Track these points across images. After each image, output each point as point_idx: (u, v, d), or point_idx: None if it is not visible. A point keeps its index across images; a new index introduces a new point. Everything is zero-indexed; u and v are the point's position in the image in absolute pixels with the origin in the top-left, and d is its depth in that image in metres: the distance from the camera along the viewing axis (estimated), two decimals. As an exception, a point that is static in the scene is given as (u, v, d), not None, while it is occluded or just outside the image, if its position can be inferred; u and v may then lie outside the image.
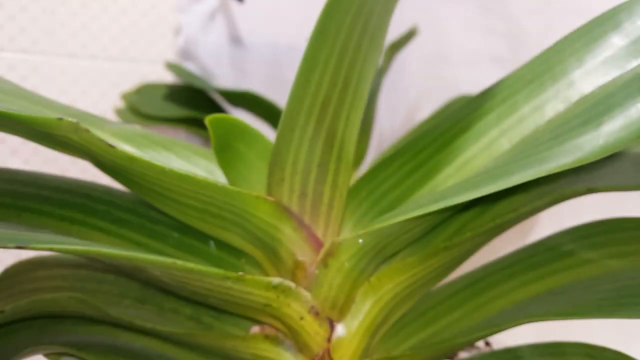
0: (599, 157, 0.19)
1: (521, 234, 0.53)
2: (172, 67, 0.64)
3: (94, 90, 0.63)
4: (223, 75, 0.68)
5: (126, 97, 0.64)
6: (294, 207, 0.23)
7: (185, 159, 0.25)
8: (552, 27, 0.64)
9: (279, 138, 0.22)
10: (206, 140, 0.68)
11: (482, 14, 0.68)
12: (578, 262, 0.25)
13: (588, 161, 0.19)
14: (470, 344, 0.26)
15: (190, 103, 0.64)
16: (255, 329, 0.25)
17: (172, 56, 0.66)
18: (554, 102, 0.24)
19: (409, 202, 0.24)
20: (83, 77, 0.62)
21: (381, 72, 0.67)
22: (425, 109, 0.79)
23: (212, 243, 0.25)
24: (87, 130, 0.19)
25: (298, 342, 0.24)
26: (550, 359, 0.25)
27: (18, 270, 0.26)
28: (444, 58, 0.75)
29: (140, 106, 0.62)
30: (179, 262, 0.19)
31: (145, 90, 0.65)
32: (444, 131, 0.26)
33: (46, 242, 0.18)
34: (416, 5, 0.71)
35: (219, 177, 0.25)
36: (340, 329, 0.23)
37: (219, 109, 0.65)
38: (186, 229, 0.25)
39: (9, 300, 0.24)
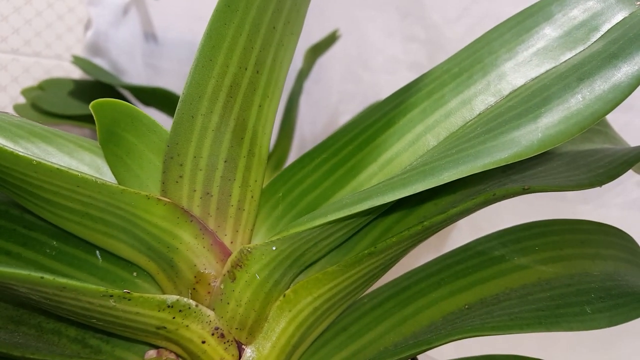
0: (538, 152, 0.17)
1: (438, 238, 0.52)
2: (79, 61, 0.58)
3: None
4: (135, 73, 0.63)
5: (26, 92, 0.58)
6: (195, 210, 0.19)
7: (67, 154, 0.21)
8: (471, 35, 0.65)
9: (175, 127, 0.18)
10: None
11: (402, 20, 0.68)
12: (510, 269, 0.23)
13: (526, 156, 0.17)
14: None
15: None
16: (151, 353, 0.22)
17: (80, 51, 0.61)
18: (484, 96, 0.22)
19: (329, 203, 0.22)
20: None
21: (302, 75, 0.65)
22: (347, 114, 0.78)
23: (98, 253, 0.21)
24: None
25: (201, 369, 0.20)
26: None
27: None
28: (365, 63, 0.74)
29: (43, 103, 0.56)
30: (48, 277, 0.16)
31: (48, 86, 0.59)
32: (367, 127, 0.24)
33: None
34: (337, 10, 0.70)
35: (106, 175, 0.21)
36: (249, 353, 0.20)
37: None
38: (68, 237, 0.21)
39: None
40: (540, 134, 0.17)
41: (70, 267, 0.21)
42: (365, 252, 0.19)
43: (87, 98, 0.58)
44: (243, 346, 0.20)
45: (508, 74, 0.23)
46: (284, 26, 0.20)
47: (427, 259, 0.25)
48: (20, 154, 0.16)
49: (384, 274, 0.22)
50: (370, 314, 0.23)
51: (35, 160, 0.16)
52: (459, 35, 0.65)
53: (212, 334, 0.20)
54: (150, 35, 0.67)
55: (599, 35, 0.22)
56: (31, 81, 0.58)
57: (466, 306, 0.22)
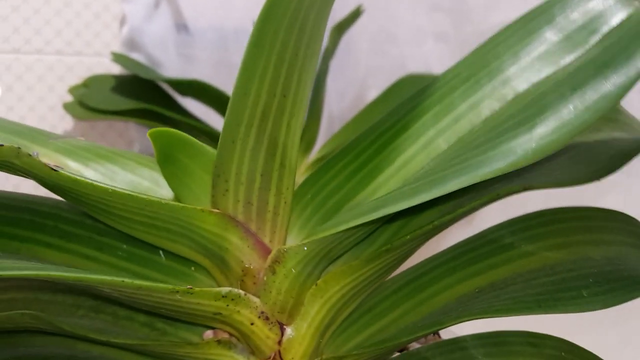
0: (531, 161, 0.20)
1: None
2: (118, 58, 0.62)
3: (40, 85, 0.61)
4: (170, 64, 0.67)
5: (73, 90, 0.62)
6: (240, 217, 0.23)
7: (130, 171, 0.25)
8: (496, 3, 0.65)
9: (220, 150, 0.22)
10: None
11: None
12: (518, 255, 0.26)
13: (521, 165, 0.20)
14: (415, 341, 0.27)
15: (139, 94, 0.63)
16: (209, 334, 0.26)
17: (118, 47, 0.65)
18: (489, 101, 0.25)
19: (351, 204, 0.25)
20: (28, 73, 0.60)
21: (328, 54, 0.67)
22: (374, 88, 0.80)
23: (161, 253, 0.25)
24: (29, 155, 0.19)
25: (250, 346, 0.25)
26: (493, 349, 0.27)
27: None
28: (391, 36, 0.75)
29: (89, 100, 0.61)
30: (127, 280, 0.20)
31: (92, 83, 0.63)
32: (384, 131, 0.27)
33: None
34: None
35: (163, 187, 0.25)
36: (290, 332, 0.24)
37: (168, 99, 0.64)
38: (135, 240, 0.25)
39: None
40: (534, 144, 0.20)
41: (139, 266, 0.25)
42: (383, 248, 0.22)
43: (129, 93, 0.62)
44: (284, 326, 0.24)
45: (512, 79, 0.25)
46: (305, 50, 0.23)
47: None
48: (97, 184, 0.20)
49: (400, 265, 0.25)
50: (392, 297, 0.27)
51: (111, 189, 0.20)
52: (484, 5, 0.66)
53: (259, 317, 0.24)
54: (181, 26, 0.71)
55: (598, 37, 0.24)
56: (76, 79, 0.62)
57: (477, 290, 0.25)
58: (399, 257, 0.24)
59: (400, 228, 0.25)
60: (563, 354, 0.26)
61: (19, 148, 0.19)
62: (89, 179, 0.20)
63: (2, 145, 0.19)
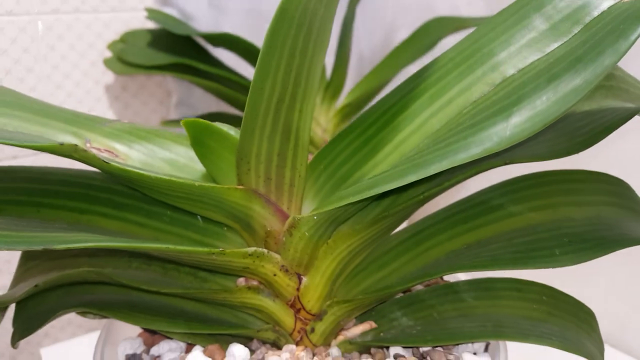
0: (504, 147, 0.23)
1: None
2: (151, 13, 0.65)
3: (80, 43, 0.66)
4: (201, 15, 0.70)
5: (112, 46, 0.66)
6: (261, 190, 0.28)
7: (167, 149, 0.30)
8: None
9: (242, 138, 0.26)
10: (192, 84, 0.71)
11: None
12: (504, 216, 0.30)
13: (495, 151, 0.23)
14: (409, 287, 0.32)
15: (174, 47, 0.67)
16: (241, 281, 0.31)
17: (151, 2, 0.68)
18: (479, 85, 0.28)
19: (356, 176, 0.29)
20: (68, 32, 0.64)
21: (354, 1, 0.69)
22: (403, 28, 0.81)
23: (199, 218, 0.30)
24: (85, 150, 0.24)
25: (274, 291, 0.30)
26: (482, 293, 0.31)
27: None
28: (420, -23, 0.75)
29: (126, 55, 0.65)
30: (171, 246, 0.25)
31: (129, 38, 0.67)
32: (387, 109, 0.30)
33: (66, 242, 0.23)
34: None
35: (198, 163, 0.29)
36: (306, 281, 0.29)
37: (201, 51, 0.68)
38: (177, 209, 0.30)
39: (39, 273, 0.30)
40: (508, 132, 0.23)
41: (181, 229, 0.30)
42: (381, 215, 0.27)
43: (164, 47, 0.66)
44: (301, 276, 0.29)
45: (501, 64, 0.27)
46: (314, 45, 0.27)
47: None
48: (143, 172, 0.24)
49: (399, 226, 0.30)
50: (393, 251, 0.31)
51: (154, 176, 0.24)
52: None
53: (280, 270, 0.29)
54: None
55: (580, 28, 0.26)
56: (113, 35, 0.66)
57: (465, 246, 0.30)
58: (396, 221, 0.28)
59: (396, 198, 0.29)
60: (544, 297, 0.31)
61: (77, 145, 0.23)
62: (136, 167, 0.25)
63: (62, 144, 0.23)
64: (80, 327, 0.68)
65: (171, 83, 0.72)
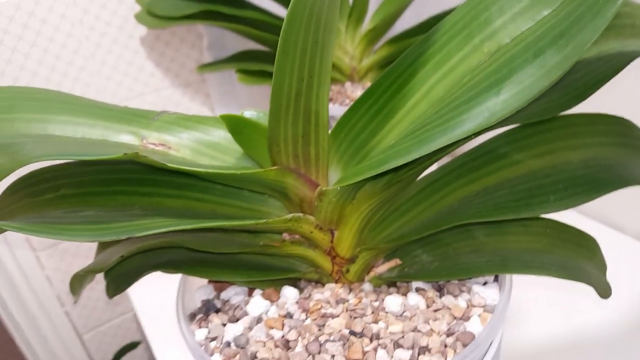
0: (495, 123, 0.26)
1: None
2: (179, -37, 0.67)
3: (110, 1, 0.69)
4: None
5: (139, 0, 0.69)
6: (292, 165, 0.33)
7: (209, 134, 0.35)
8: None
9: (270, 127, 0.31)
10: (223, 29, 0.74)
11: None
12: (509, 163, 0.34)
13: (487, 126, 0.26)
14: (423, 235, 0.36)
15: (202, -6, 0.69)
16: (285, 235, 0.37)
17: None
18: (477, 53, 0.31)
19: (373, 142, 0.33)
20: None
21: None
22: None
23: (245, 190, 0.36)
24: (145, 157, 0.29)
25: (313, 243, 0.36)
26: (492, 230, 0.35)
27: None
28: None
29: (155, 8, 0.67)
30: (225, 222, 0.31)
31: (156, -9, 0.69)
32: (398, 76, 0.33)
33: (144, 229, 0.29)
34: None
35: (234, 143, 0.34)
36: (337, 234, 0.35)
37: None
38: (225, 186, 0.35)
39: (125, 248, 0.37)
40: (499, 107, 0.26)
41: (231, 199, 0.36)
42: (395, 180, 0.31)
43: (192, -3, 0.68)
44: (333, 231, 0.35)
45: (497, 31, 0.30)
46: (324, 34, 0.30)
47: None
48: (195, 169, 0.30)
49: (412, 183, 0.34)
50: (413, 199, 0.36)
51: (204, 171, 0.30)
52: None
53: (315, 228, 0.34)
54: None
55: None
56: (141, -12, 0.69)
57: (475, 193, 0.34)
58: (409, 181, 0.33)
59: (407, 167, 0.33)
60: (548, 230, 0.35)
61: (137, 153, 0.28)
62: (186, 163, 0.30)
63: (126, 154, 0.28)
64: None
65: (201, 27, 0.75)
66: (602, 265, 0.35)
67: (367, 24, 0.73)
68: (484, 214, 0.31)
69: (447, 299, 0.34)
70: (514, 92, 0.26)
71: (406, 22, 0.73)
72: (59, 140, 0.31)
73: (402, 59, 0.34)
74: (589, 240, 0.35)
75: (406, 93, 0.33)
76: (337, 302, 0.35)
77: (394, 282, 0.37)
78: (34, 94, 0.33)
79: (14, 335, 0.81)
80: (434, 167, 0.37)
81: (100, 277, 0.40)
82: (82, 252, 0.80)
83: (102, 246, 0.39)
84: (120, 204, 0.34)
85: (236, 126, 0.31)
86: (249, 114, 0.32)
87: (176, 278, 0.39)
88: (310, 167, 0.33)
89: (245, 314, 0.36)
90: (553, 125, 0.34)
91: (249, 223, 0.31)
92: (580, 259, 0.34)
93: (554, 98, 0.31)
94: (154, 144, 0.33)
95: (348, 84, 0.71)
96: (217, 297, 0.39)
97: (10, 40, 0.64)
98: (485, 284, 0.35)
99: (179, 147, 0.34)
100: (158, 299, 0.65)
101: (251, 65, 0.69)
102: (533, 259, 0.33)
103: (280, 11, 0.70)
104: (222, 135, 0.35)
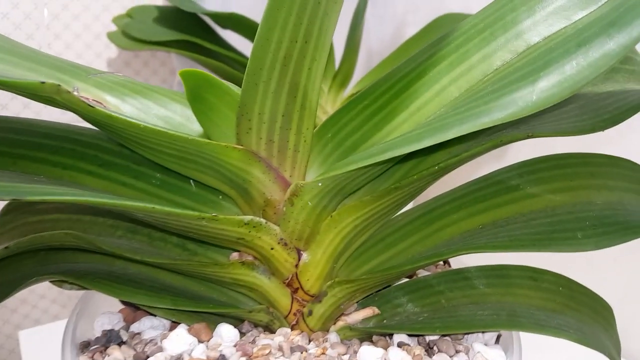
0: (529, 113, 0.21)
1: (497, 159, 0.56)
2: (160, -11, 0.63)
3: (86, 14, 0.64)
4: (211, -5, 0.68)
5: (117, 20, 0.64)
6: (262, 153, 0.25)
7: (162, 106, 0.27)
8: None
9: (244, 92, 0.24)
10: (196, 64, 0.69)
11: None
12: (522, 197, 0.28)
13: (519, 116, 0.21)
14: (418, 269, 0.29)
15: (181, 25, 0.65)
16: (235, 255, 0.29)
17: (160, -22, 0.66)
18: (502, 52, 0.26)
19: (368, 144, 0.27)
20: (74, 2, 0.62)
21: (366, -9, 0.66)
22: (413, 25, 0.79)
23: (191, 182, 0.28)
24: (69, 92, 0.21)
25: (271, 268, 0.27)
26: (495, 280, 0.29)
27: (18, 207, 0.29)
28: (432, -26, 0.74)
29: (132, 30, 0.63)
30: (157, 207, 0.22)
31: (136, 14, 0.65)
32: (403, 77, 0.28)
33: (39, 194, 0.20)
34: None
35: (194, 123, 0.27)
36: (305, 257, 0.27)
37: (209, 31, 0.66)
38: (168, 171, 0.28)
39: (12, 236, 0.27)
40: (535, 97, 0.21)
41: (171, 193, 0.28)
42: (392, 186, 0.24)
43: (171, 24, 0.64)
44: (301, 252, 0.27)
45: (525, 32, 0.26)
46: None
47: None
48: (131, 120, 0.22)
49: (411, 201, 0.27)
50: (403, 229, 0.29)
51: (142, 125, 0.22)
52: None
53: (278, 243, 0.26)
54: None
55: None
56: (120, 9, 0.64)
57: (480, 226, 0.27)
58: (407, 194, 0.26)
59: (410, 169, 0.26)
60: (561, 288, 0.28)
61: (59, 85, 0.21)
62: (124, 114, 0.22)
63: (43, 82, 0.21)
64: (54, 302, 0.65)
65: (175, 62, 0.70)
66: (617, 342, 0.28)
67: (352, 88, 0.69)
68: (498, 246, 0.24)
69: (440, 359, 0.25)
70: (555, 81, 0.21)
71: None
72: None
73: (408, 60, 0.29)
74: (605, 308, 0.29)
75: (412, 93, 0.27)
76: (293, 350, 0.26)
77: (369, 335, 0.28)
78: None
79: None
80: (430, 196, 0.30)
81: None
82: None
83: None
84: (21, 169, 0.25)
85: (198, 87, 0.24)
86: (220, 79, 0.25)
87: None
88: (285, 159, 0.26)
89: (160, 349, 0.26)
90: (571, 161, 0.29)
91: (190, 215, 0.23)
92: (597, 327, 0.27)
93: (585, 118, 0.26)
94: (86, 98, 0.25)
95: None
96: (126, 328, 0.29)
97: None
98: (485, 345, 0.27)
99: (118, 111, 0.26)
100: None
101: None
102: (547, 318, 0.26)
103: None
104: (177, 109, 0.28)
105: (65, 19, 0.63)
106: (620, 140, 0.48)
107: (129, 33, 0.62)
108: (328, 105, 0.69)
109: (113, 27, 0.65)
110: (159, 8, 0.65)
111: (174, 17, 0.66)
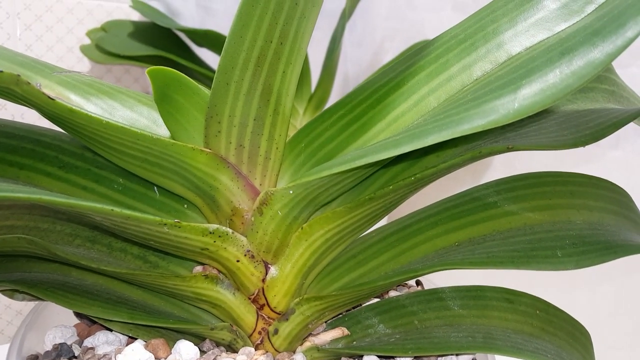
0: (511, 120, 0.20)
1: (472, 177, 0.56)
2: (137, 4, 0.63)
3: (59, 26, 0.62)
4: (188, 14, 0.67)
5: (91, 33, 0.63)
6: (231, 158, 0.24)
7: (129, 108, 0.26)
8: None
9: (214, 92, 0.23)
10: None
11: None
12: (500, 214, 0.27)
13: (501, 124, 0.20)
14: (391, 286, 0.28)
15: (156, 41, 0.64)
16: (198, 268, 0.27)
17: (137, -7, 0.65)
18: (482, 63, 0.25)
19: (343, 154, 0.26)
20: (48, 14, 0.61)
21: (345, 16, 0.67)
22: (391, 52, 0.80)
23: (155, 189, 0.26)
24: (28, 83, 0.20)
25: (236, 282, 0.26)
26: (470, 301, 0.28)
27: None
28: (409, 1, 0.75)
29: (106, 44, 0.61)
30: (116, 209, 0.21)
31: (110, 28, 0.64)
32: (380, 87, 0.27)
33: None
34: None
35: (161, 126, 0.26)
36: (274, 271, 0.25)
37: (184, 48, 0.65)
38: (131, 175, 0.26)
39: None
40: (517, 104, 0.20)
41: (134, 200, 0.26)
42: (367, 197, 0.23)
43: (146, 39, 0.63)
44: (269, 265, 0.26)
45: (506, 42, 0.25)
46: (305, 0, 0.24)
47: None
48: (93, 115, 0.21)
49: (386, 215, 0.26)
50: (376, 246, 0.28)
51: (105, 120, 0.21)
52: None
53: (245, 255, 0.25)
54: (202, -23, 0.70)
55: (593, 7, 0.24)
56: (95, 23, 0.63)
57: (456, 243, 0.26)
58: (382, 207, 0.25)
59: (387, 181, 0.25)
60: (538, 312, 0.27)
61: (19, 75, 0.20)
62: (82, 108, 0.21)
63: (2, 71, 0.19)
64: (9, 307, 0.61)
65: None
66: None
67: (326, 112, 0.68)
68: (475, 262, 0.23)
69: (412, 381, 0.24)
70: (536, 89, 0.20)
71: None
72: None
73: (385, 71, 0.28)
74: (582, 333, 0.28)
75: (389, 103, 0.26)
76: (255, 369, 0.24)
77: (337, 357, 0.27)
78: None
79: None
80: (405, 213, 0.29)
81: None
82: None
83: None
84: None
85: (166, 87, 0.23)
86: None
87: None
88: (255, 167, 0.25)
89: (115, 366, 0.24)
90: (550, 179, 0.28)
91: (151, 220, 0.22)
92: (574, 353, 0.26)
93: (566, 133, 0.26)
94: (48, 95, 0.24)
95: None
96: (79, 343, 0.27)
97: None
98: (459, 369, 0.26)
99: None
100: None
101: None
102: (524, 341, 0.25)
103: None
104: (144, 112, 0.26)
105: (37, 31, 0.61)
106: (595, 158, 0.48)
107: (103, 47, 0.61)
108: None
109: (87, 41, 0.64)
110: (134, 23, 0.64)
111: (149, 33, 0.65)
